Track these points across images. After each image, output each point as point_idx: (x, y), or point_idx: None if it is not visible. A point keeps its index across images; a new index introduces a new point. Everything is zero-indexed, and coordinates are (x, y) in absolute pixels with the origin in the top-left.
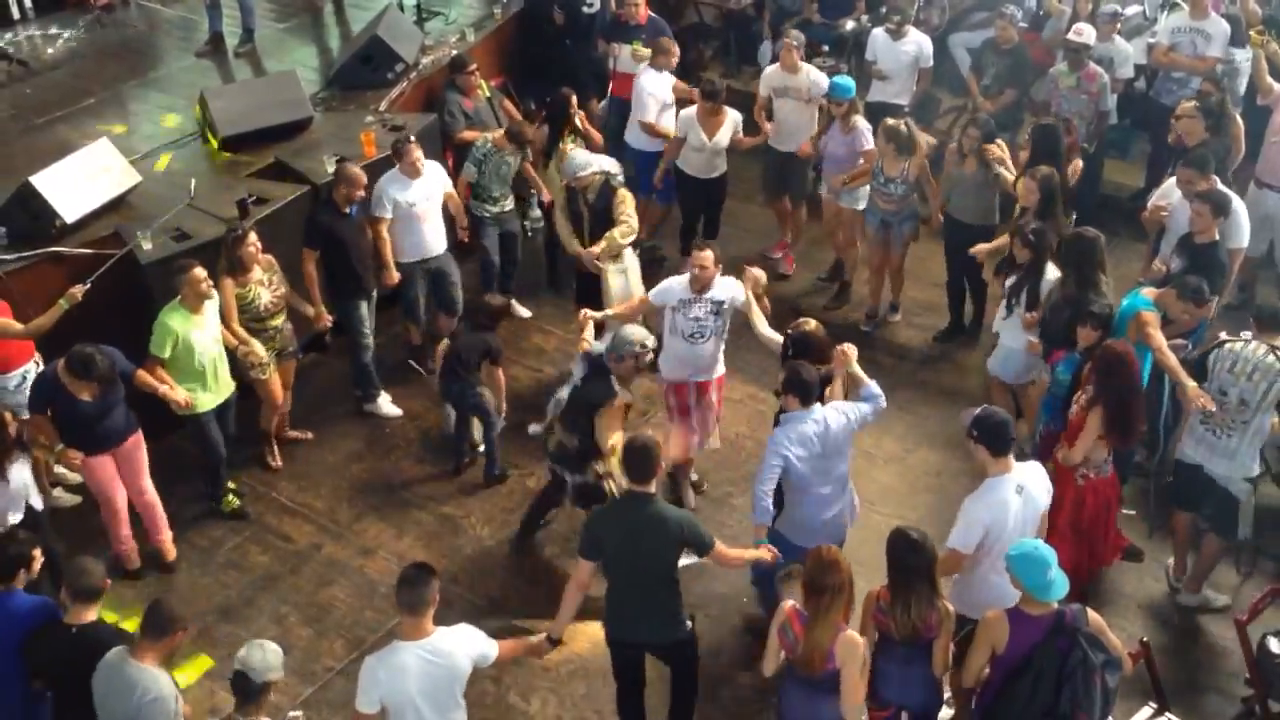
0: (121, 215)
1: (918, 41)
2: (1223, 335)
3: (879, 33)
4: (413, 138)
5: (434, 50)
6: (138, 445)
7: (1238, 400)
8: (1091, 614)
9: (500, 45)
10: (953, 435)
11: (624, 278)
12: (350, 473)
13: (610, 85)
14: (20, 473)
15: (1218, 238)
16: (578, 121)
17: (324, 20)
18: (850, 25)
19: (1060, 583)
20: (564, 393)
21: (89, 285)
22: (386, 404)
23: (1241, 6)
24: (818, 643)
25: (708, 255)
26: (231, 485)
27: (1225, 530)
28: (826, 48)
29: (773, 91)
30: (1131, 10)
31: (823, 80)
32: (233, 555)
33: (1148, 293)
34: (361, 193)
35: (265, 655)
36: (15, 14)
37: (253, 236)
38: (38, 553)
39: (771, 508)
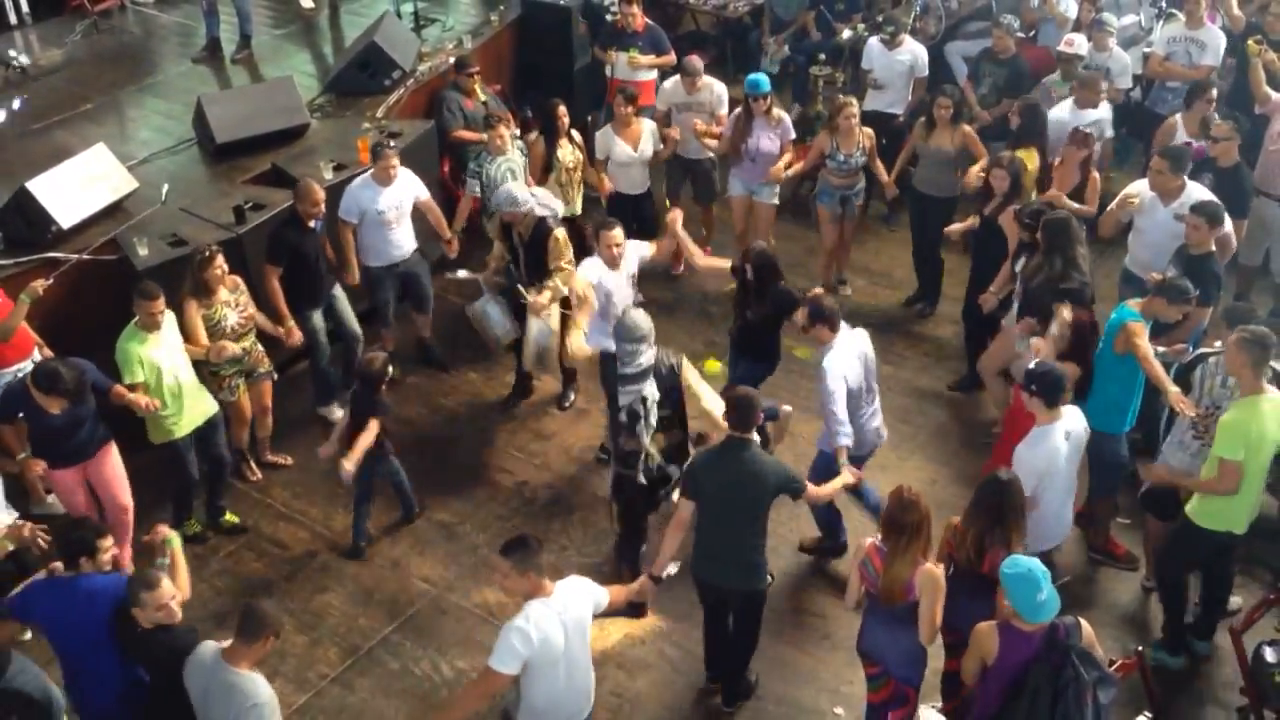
0: (118, 221)
1: (913, 51)
2: (1203, 349)
3: (874, 42)
4: (393, 144)
5: (431, 57)
6: (107, 456)
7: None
8: (1085, 628)
9: (498, 53)
10: (947, 444)
11: (543, 322)
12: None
13: (608, 94)
14: None
15: (1213, 249)
16: (574, 133)
17: (321, 27)
18: (847, 34)
19: (1051, 604)
20: (653, 419)
21: (51, 281)
22: (338, 410)
23: (1226, 12)
24: (898, 576)
25: (617, 234)
26: (196, 526)
27: None
28: (824, 56)
29: (674, 107)
30: (1127, 20)
31: (723, 91)
32: (227, 562)
33: (1133, 304)
34: (320, 209)
35: None
36: (13, 19)
37: (220, 259)
38: (106, 543)
39: (850, 428)
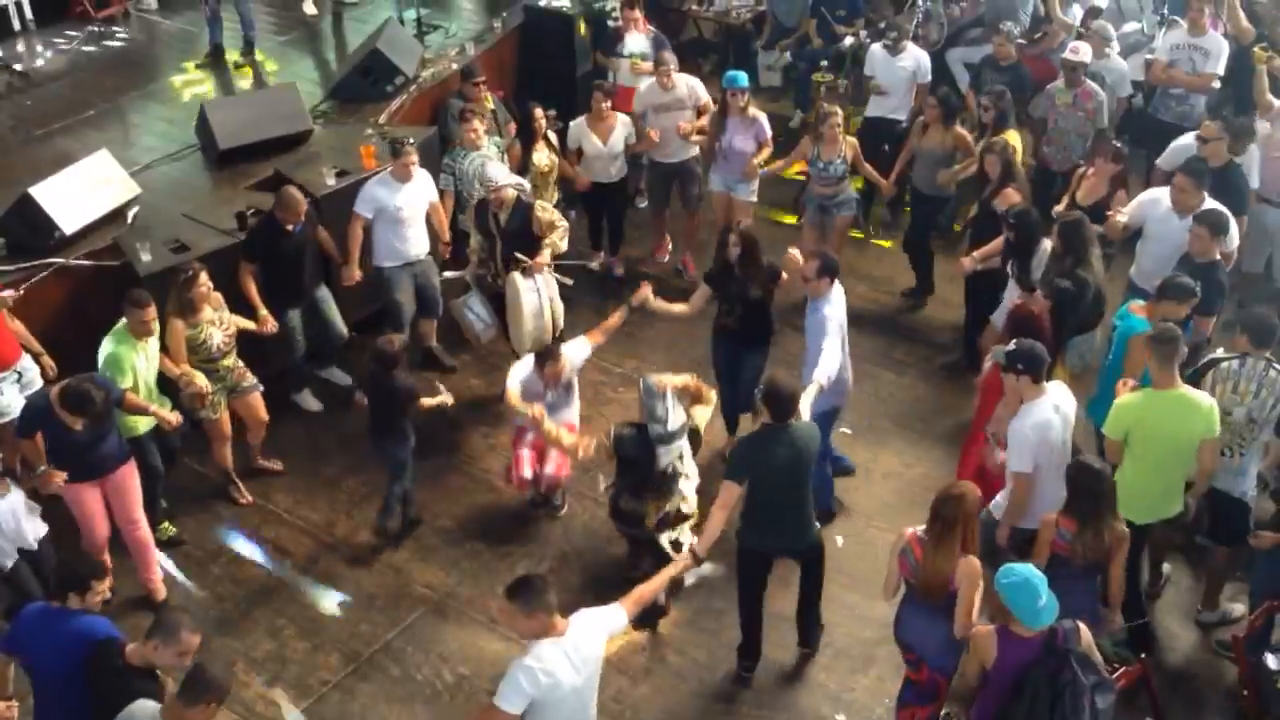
0: (120, 227)
1: (915, 57)
2: (1216, 354)
3: (877, 48)
4: (412, 140)
5: (434, 64)
6: (129, 474)
7: (1245, 419)
8: (1083, 632)
9: (500, 59)
10: (951, 450)
11: (536, 295)
12: (347, 486)
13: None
14: (10, 506)
15: (1217, 258)
16: (551, 136)
17: (323, 33)
18: (849, 41)
19: (1050, 609)
20: (689, 468)
21: (20, 292)
22: (309, 399)
23: (1233, 25)
24: (939, 568)
25: (559, 365)
26: (170, 529)
27: (1236, 538)
28: (825, 62)
29: (651, 109)
30: (1129, 27)
31: (699, 84)
32: (229, 568)
33: (1137, 310)
34: (300, 218)
35: None
36: (16, 25)
37: (204, 277)
38: (101, 586)
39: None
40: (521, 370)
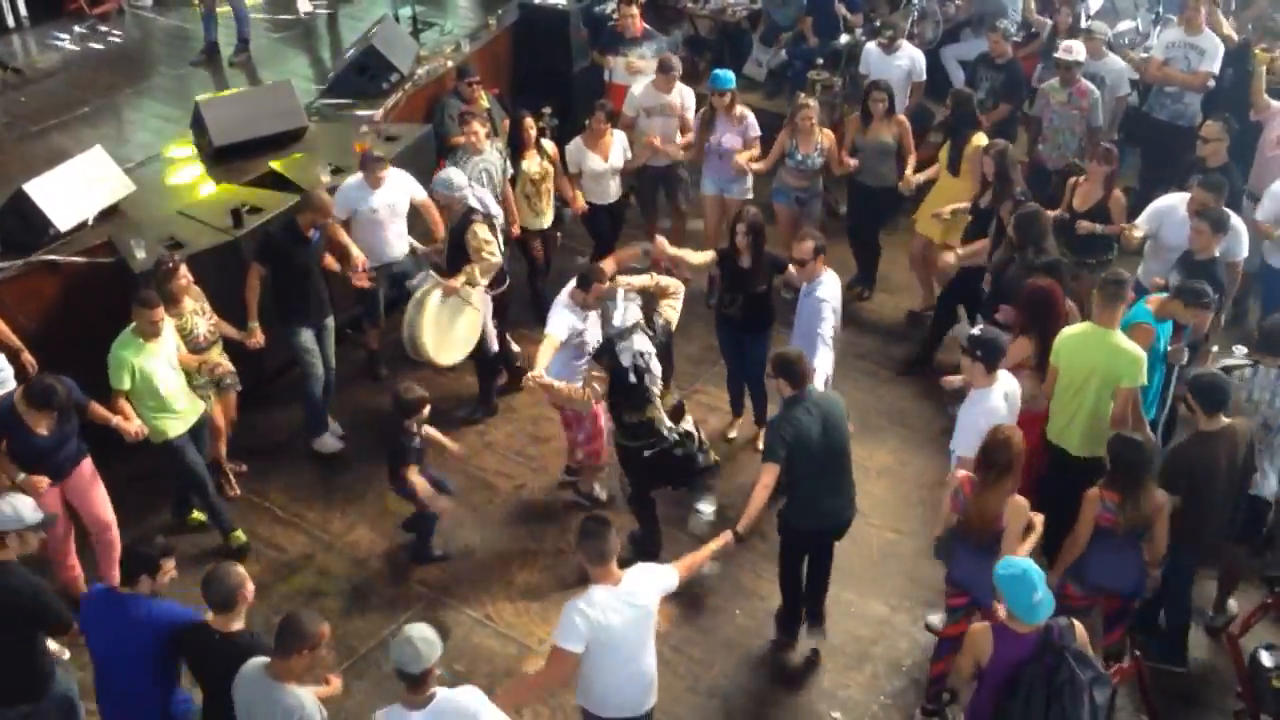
0: (115, 224)
1: (910, 55)
2: (1225, 361)
3: (872, 47)
4: (380, 154)
5: (429, 61)
6: (86, 473)
7: (1260, 426)
8: (1079, 628)
9: (495, 56)
10: (946, 447)
11: (438, 305)
12: (342, 483)
13: (609, 98)
14: None
15: (1217, 254)
16: (545, 143)
17: (319, 30)
18: (844, 39)
19: (1046, 604)
20: (656, 370)
21: None
22: (332, 441)
23: (1216, 31)
24: (984, 508)
25: (605, 283)
26: (199, 515)
27: (1252, 534)
28: (821, 61)
29: (643, 111)
30: (1124, 26)
31: (691, 96)
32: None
33: (1151, 302)
34: (328, 220)
35: (416, 648)
36: (10, 22)
37: (183, 270)
38: (169, 565)
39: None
40: (562, 321)
